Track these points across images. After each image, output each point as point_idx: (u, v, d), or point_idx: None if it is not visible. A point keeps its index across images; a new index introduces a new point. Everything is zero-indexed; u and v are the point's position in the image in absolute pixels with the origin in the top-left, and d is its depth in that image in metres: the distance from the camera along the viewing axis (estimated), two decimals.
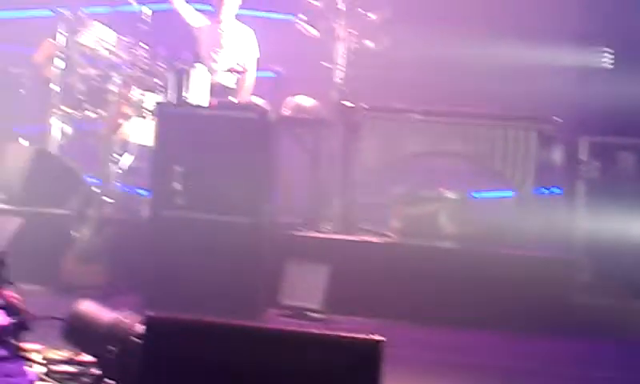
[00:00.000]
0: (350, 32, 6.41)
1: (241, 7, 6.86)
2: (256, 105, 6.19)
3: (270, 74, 6.70)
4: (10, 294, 2.25)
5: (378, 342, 2.71)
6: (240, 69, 6.49)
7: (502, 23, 6.98)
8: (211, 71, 6.14)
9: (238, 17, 6.87)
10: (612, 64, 6.68)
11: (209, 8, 6.93)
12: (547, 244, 5.54)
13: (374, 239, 5.70)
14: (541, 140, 5.80)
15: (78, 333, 3.00)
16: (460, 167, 6.18)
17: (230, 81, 6.63)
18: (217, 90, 6.03)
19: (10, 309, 2.24)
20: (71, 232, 5.43)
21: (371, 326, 4.90)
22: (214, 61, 6.56)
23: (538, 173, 5.78)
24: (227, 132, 5.29)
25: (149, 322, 2.65)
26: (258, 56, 6.82)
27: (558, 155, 5.99)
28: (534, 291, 5.21)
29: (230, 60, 6.70)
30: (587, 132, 5.93)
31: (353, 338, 2.78)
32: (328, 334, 2.93)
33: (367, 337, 2.77)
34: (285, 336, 2.85)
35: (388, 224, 5.83)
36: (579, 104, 6.45)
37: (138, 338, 2.79)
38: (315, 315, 5.09)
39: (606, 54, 6.76)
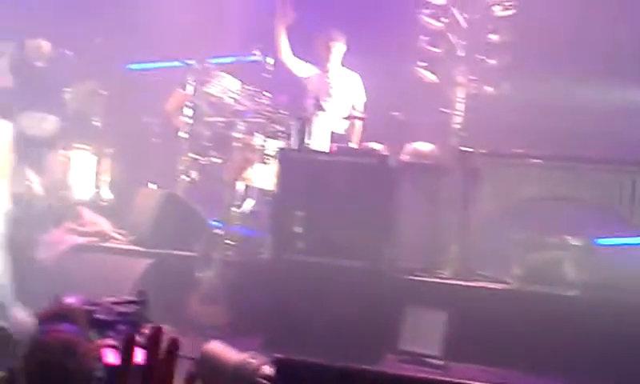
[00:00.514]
0: (469, 78, 6.43)
1: (358, 53, 6.94)
2: (375, 150, 6.27)
3: (388, 119, 6.75)
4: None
5: None
6: (358, 114, 6.57)
7: (625, 66, 6.79)
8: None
9: (348, 62, 6.96)
10: None
11: None
12: None
13: (494, 285, 5.62)
14: None
15: (207, 372, 3.11)
16: (583, 213, 6.01)
17: (340, 127, 6.71)
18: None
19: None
20: (196, 273, 5.63)
21: (490, 375, 4.82)
22: (323, 109, 6.61)
23: None
24: (347, 177, 5.40)
25: (278, 365, 2.71)
26: (365, 100, 6.90)
27: None
28: None
29: (339, 107, 6.78)
30: None
31: None
32: (452, 381, 2.92)
33: None
34: (415, 382, 2.86)
35: (508, 270, 5.73)
36: None
37: (266, 380, 2.87)
38: (434, 361, 5.05)
39: None
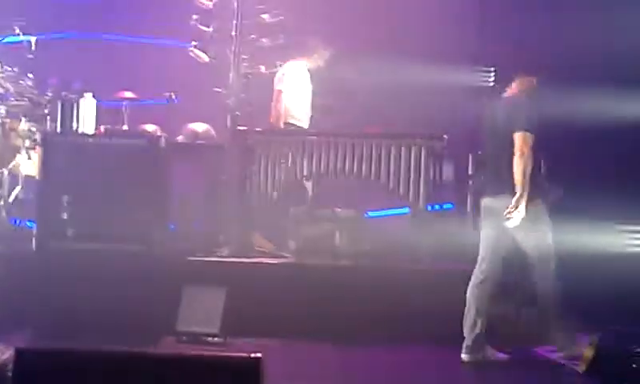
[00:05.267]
0: (242, 57, 6.45)
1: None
2: (146, 131, 6.13)
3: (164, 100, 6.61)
4: None
5: (256, 359, 2.74)
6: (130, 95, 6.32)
7: (396, 44, 7.13)
8: None
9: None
10: (493, 81, 6.94)
11: None
12: (441, 257, 5.67)
13: (270, 260, 5.72)
14: (432, 157, 5.92)
15: None
16: (355, 186, 6.25)
17: None
18: None
19: None
20: None
21: (271, 346, 4.90)
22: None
23: (431, 189, 5.90)
24: (116, 159, 5.24)
25: (18, 355, 2.59)
26: None
27: (448, 171, 6.15)
28: (427, 302, 5.30)
29: None
30: (475, 147, 6.11)
31: (232, 357, 2.81)
32: (207, 355, 2.93)
33: (246, 355, 2.79)
34: (164, 360, 2.83)
35: (286, 244, 5.86)
36: (467, 121, 6.66)
37: (8, 372, 2.72)
38: (213, 339, 5.05)
39: (489, 73, 7.03)
